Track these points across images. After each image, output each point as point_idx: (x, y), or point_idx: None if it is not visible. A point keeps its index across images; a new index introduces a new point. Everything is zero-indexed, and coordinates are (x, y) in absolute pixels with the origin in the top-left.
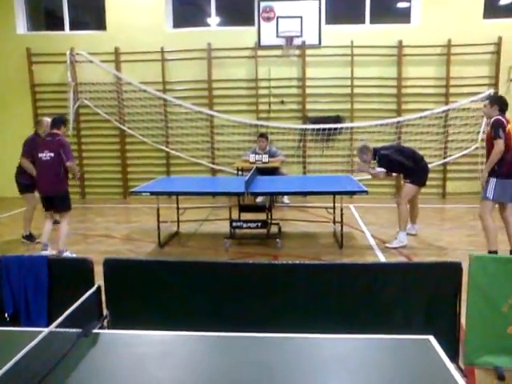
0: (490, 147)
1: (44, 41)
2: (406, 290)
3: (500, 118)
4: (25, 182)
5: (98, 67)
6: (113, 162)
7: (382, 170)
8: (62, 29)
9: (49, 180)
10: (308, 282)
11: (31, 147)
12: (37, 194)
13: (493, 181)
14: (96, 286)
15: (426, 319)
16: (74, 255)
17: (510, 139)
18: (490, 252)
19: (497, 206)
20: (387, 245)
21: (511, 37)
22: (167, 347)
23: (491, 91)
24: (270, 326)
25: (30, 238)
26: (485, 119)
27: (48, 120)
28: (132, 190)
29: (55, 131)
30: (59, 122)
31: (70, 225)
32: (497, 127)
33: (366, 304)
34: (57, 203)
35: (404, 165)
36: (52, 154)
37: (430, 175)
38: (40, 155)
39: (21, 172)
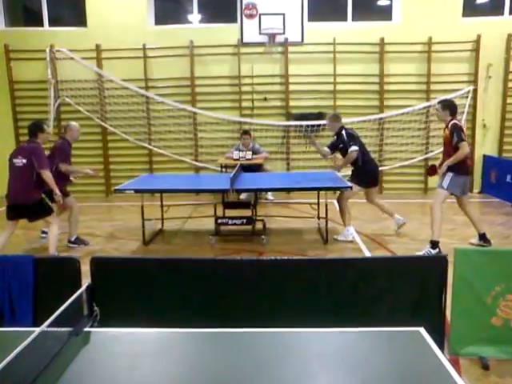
0: (448, 148)
1: (23, 37)
2: (392, 283)
3: (457, 121)
4: None
5: (78, 64)
6: (95, 160)
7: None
8: (41, 25)
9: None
10: (296, 277)
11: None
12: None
13: (449, 175)
14: (86, 284)
15: (413, 312)
16: None
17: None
18: (431, 242)
19: (454, 200)
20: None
21: (489, 35)
22: (160, 345)
23: (471, 88)
24: (259, 321)
25: None
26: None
27: (76, 125)
28: (116, 187)
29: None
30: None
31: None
32: (458, 131)
33: (354, 298)
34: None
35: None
36: (24, 161)
37: (412, 170)
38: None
39: None
